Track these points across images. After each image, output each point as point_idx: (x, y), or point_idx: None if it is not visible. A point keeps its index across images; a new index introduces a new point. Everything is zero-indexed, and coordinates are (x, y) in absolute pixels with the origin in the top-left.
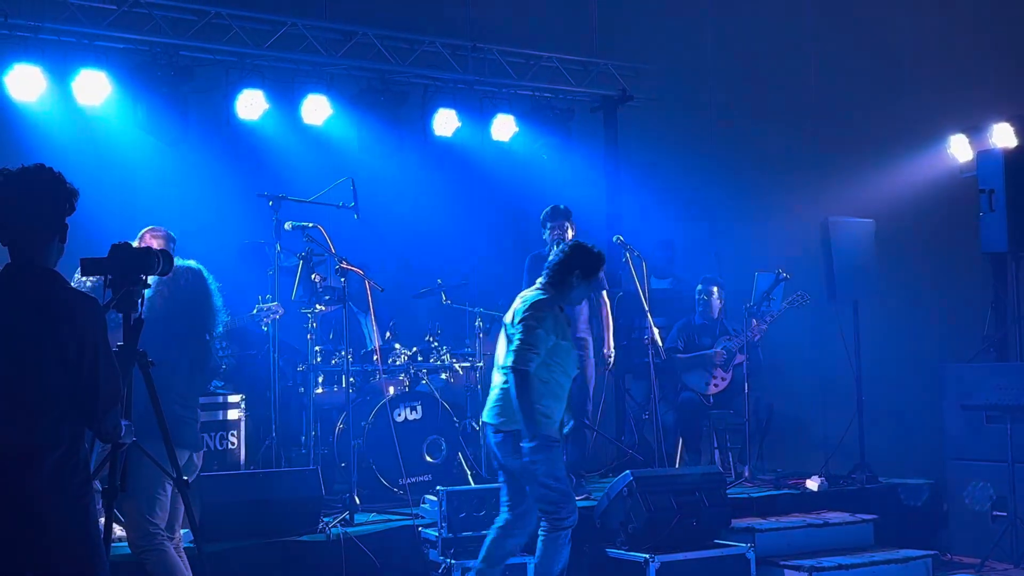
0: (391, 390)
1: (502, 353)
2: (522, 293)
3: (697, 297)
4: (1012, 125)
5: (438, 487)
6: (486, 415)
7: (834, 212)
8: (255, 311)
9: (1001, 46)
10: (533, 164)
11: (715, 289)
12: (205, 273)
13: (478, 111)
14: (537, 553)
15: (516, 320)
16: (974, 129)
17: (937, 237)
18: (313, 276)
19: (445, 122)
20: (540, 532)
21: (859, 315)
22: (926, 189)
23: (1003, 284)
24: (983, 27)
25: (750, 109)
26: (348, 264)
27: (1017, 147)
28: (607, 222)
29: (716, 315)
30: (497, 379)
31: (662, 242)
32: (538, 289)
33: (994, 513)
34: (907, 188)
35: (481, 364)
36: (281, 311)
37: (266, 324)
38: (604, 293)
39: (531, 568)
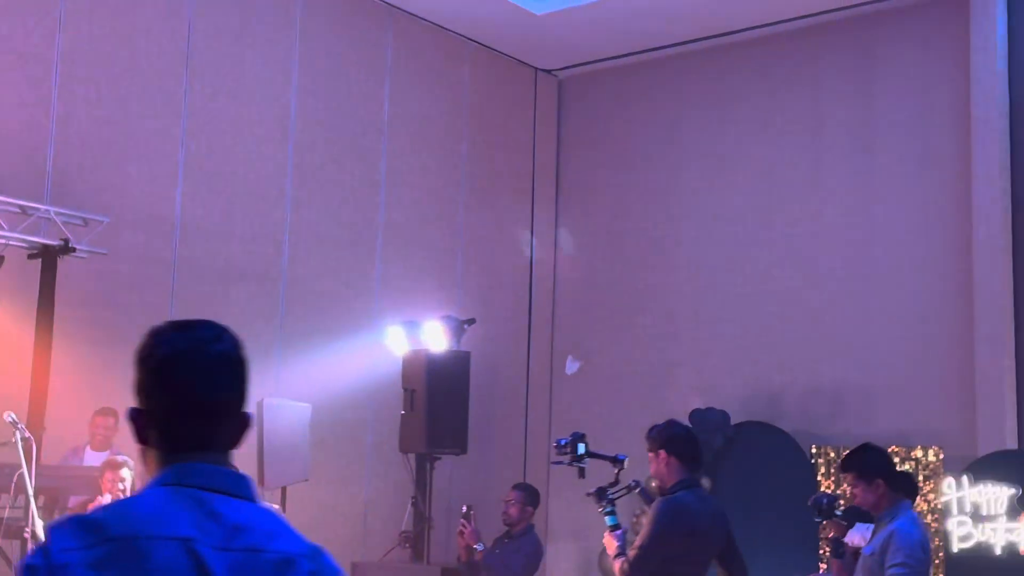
0: None
1: None
2: None
3: None
4: (441, 324)
5: None
6: None
7: (276, 394)
8: None
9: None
10: None
11: None
12: None
13: None
14: None
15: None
16: (411, 323)
17: (366, 428)
18: None
19: None
20: None
21: (287, 500)
22: (362, 378)
23: (422, 483)
24: None
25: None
26: None
27: (443, 351)
28: (32, 385)
29: None
30: None
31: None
32: None
33: None
34: (344, 375)
35: None
36: None
37: None
38: None
39: None
